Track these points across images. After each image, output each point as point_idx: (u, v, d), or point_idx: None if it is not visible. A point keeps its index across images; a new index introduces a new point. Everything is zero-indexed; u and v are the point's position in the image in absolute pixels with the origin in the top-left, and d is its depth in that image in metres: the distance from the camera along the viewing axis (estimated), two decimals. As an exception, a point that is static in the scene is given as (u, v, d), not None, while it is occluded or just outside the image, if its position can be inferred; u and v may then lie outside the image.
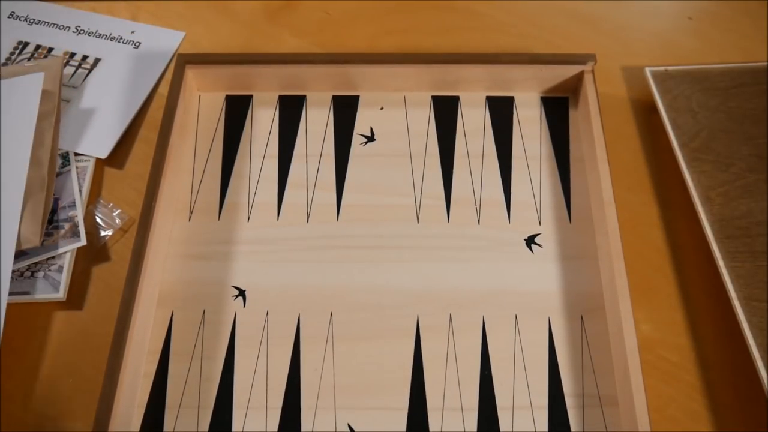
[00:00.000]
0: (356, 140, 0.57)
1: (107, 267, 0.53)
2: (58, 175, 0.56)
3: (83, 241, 0.52)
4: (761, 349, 0.44)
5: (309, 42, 0.66)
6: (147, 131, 0.60)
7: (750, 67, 0.58)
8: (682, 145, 0.54)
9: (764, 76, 0.58)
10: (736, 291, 0.46)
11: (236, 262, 0.51)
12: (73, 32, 0.67)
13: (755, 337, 0.44)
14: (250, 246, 0.52)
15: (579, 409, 0.45)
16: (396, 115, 0.58)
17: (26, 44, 0.65)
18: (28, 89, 0.58)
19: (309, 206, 0.54)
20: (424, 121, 0.58)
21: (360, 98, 0.59)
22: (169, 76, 0.57)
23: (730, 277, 0.47)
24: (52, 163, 0.55)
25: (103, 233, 0.53)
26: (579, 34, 0.66)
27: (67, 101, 0.62)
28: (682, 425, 0.46)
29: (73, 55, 0.65)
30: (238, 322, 0.49)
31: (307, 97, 0.59)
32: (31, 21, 0.67)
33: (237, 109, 0.59)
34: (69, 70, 0.64)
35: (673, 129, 0.54)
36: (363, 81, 0.58)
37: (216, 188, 0.55)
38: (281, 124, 0.58)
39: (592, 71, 0.56)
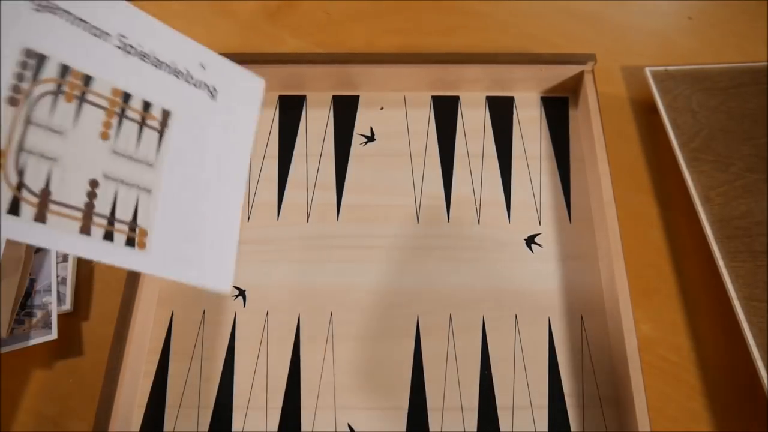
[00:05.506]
0: (356, 140, 0.57)
1: (108, 267, 0.53)
2: (36, 251, 0.51)
3: (54, 335, 0.48)
4: (761, 349, 0.44)
5: (309, 42, 0.66)
6: (147, 131, 0.60)
7: (750, 67, 0.58)
8: (682, 145, 0.54)
9: (764, 76, 0.58)
10: (736, 291, 0.46)
11: (236, 262, 0.51)
12: (118, 47, 0.38)
13: (755, 337, 0.44)
14: (250, 246, 0.52)
15: (579, 409, 0.45)
16: (396, 115, 0.58)
17: (42, 59, 0.35)
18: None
19: (309, 206, 0.54)
20: (424, 121, 0.58)
21: (360, 98, 0.59)
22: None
23: (730, 277, 0.47)
24: None
25: None
26: (579, 34, 0.66)
27: (148, 192, 0.38)
28: (681, 425, 0.46)
29: (127, 98, 0.38)
30: (238, 322, 0.49)
31: (307, 97, 0.59)
32: (42, 2, 0.35)
33: (237, 109, 0.59)
34: (129, 128, 0.38)
35: (673, 129, 0.55)
36: (363, 81, 0.58)
37: (216, 188, 0.55)
38: (281, 124, 0.58)
39: (592, 71, 0.56)
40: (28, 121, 0.34)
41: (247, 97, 0.47)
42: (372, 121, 0.58)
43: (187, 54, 0.44)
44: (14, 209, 0.33)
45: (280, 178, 0.55)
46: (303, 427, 0.45)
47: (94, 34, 0.38)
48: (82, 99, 0.37)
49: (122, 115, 0.39)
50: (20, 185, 0.33)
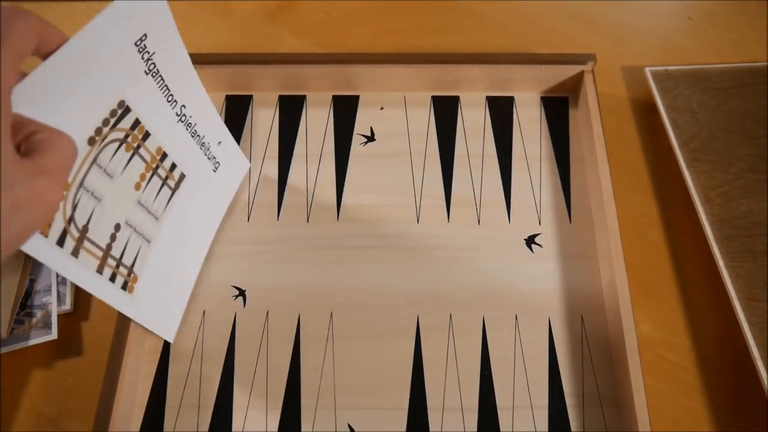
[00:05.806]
0: (356, 140, 0.57)
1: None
2: None
3: (54, 335, 0.48)
4: (761, 349, 0.44)
5: (309, 42, 0.66)
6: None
7: (750, 67, 0.58)
8: (682, 145, 0.54)
9: (764, 76, 0.58)
10: (736, 291, 0.46)
11: (236, 262, 0.51)
12: (177, 114, 0.43)
13: (755, 337, 0.44)
14: (250, 246, 0.52)
15: (579, 409, 0.45)
16: (396, 115, 0.58)
17: (126, 111, 0.38)
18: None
19: (309, 206, 0.54)
20: (424, 121, 0.58)
21: (360, 98, 0.59)
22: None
23: (730, 277, 0.47)
24: None
25: None
26: (579, 34, 0.66)
27: (148, 243, 0.44)
28: (681, 425, 0.46)
29: (164, 157, 0.43)
30: (238, 322, 0.49)
31: (307, 97, 0.59)
32: (152, 66, 0.38)
33: (237, 109, 0.59)
34: (155, 183, 0.42)
35: (673, 129, 0.55)
36: (363, 81, 0.58)
37: (216, 188, 0.55)
38: (281, 124, 0.58)
39: (592, 71, 0.56)
40: (93, 161, 0.36)
41: (234, 176, 0.53)
42: (372, 121, 0.58)
43: (215, 131, 0.48)
44: (61, 241, 0.34)
45: (280, 178, 0.55)
46: (303, 427, 0.45)
47: (167, 100, 0.41)
48: (135, 151, 0.40)
49: (155, 171, 0.42)
50: (71, 219, 0.35)
